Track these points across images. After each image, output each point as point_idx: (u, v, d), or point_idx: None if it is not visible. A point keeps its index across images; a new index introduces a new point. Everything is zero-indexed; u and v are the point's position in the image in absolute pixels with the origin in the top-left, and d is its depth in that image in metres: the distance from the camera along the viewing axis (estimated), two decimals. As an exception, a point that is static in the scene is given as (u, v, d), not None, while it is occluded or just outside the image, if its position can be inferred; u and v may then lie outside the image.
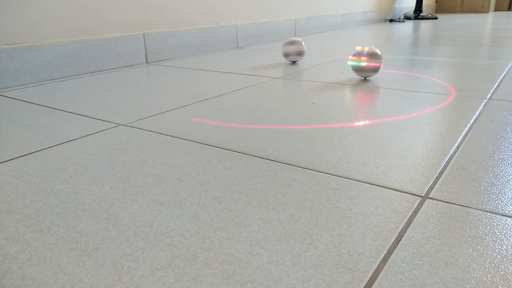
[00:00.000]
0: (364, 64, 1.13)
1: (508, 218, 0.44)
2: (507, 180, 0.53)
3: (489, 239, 0.40)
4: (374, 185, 0.52)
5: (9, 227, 0.45)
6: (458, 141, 0.66)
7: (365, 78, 1.18)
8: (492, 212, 0.45)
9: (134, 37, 1.48)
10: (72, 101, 1.00)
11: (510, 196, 0.48)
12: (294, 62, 1.52)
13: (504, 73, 1.20)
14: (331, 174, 0.55)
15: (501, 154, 0.61)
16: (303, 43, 1.46)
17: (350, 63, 1.16)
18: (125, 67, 1.47)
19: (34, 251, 0.40)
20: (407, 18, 3.69)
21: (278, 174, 0.56)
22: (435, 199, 0.48)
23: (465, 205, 0.47)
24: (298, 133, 0.72)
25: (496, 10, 4.80)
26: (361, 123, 0.78)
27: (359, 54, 1.13)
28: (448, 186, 0.51)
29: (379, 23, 3.37)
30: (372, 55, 1.12)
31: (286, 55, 1.48)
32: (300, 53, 1.46)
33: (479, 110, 0.84)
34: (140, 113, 0.87)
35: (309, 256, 0.38)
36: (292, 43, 1.45)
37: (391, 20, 3.52)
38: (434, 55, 1.63)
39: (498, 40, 2.11)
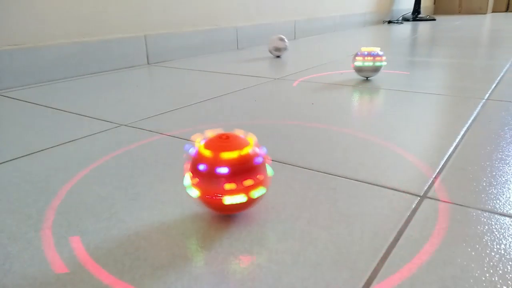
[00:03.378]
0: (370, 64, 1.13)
1: (507, 218, 0.44)
2: (505, 179, 0.53)
3: (487, 239, 0.40)
4: (373, 184, 0.52)
5: (11, 226, 0.45)
6: (457, 141, 0.67)
7: (367, 78, 1.19)
8: (490, 212, 0.45)
9: (136, 38, 1.49)
10: (74, 101, 1.00)
11: (508, 196, 0.49)
12: (278, 56, 1.67)
13: (502, 74, 1.21)
14: (330, 174, 0.56)
15: (499, 154, 0.61)
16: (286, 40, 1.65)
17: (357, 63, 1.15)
18: (126, 68, 1.47)
19: (36, 250, 0.40)
20: (405, 19, 3.70)
21: (277, 174, 0.56)
22: (434, 199, 0.48)
23: (463, 204, 0.47)
24: (298, 133, 0.72)
25: (494, 11, 4.81)
26: (360, 123, 0.78)
27: (363, 55, 1.13)
28: (447, 186, 0.51)
29: (377, 25, 3.38)
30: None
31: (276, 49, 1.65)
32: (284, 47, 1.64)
33: (477, 110, 0.84)
34: (142, 113, 0.88)
35: (308, 255, 0.39)
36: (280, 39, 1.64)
37: (389, 22, 3.52)
38: (432, 56, 1.63)
39: (496, 41, 2.12)
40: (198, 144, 0.43)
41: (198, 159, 0.41)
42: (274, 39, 1.65)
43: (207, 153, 0.41)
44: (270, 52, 1.67)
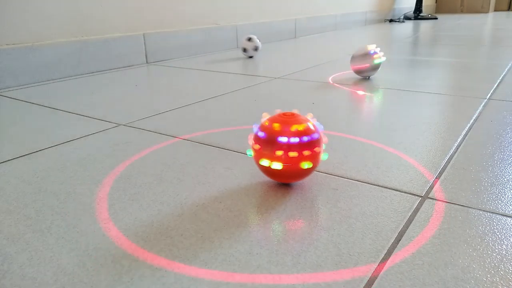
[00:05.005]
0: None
1: (508, 218, 0.44)
2: (507, 180, 0.53)
3: (489, 239, 0.40)
4: (374, 185, 0.52)
5: (9, 227, 0.45)
6: (458, 141, 0.66)
7: (368, 77, 1.18)
8: (492, 212, 0.45)
9: (134, 37, 1.48)
10: (72, 101, 1.00)
11: (510, 196, 0.48)
12: (251, 57, 1.64)
13: (503, 73, 1.20)
14: (331, 174, 0.55)
15: (501, 154, 0.61)
16: (258, 40, 1.62)
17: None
18: (125, 67, 1.47)
19: (34, 251, 0.40)
20: (407, 18, 3.69)
21: (278, 174, 0.55)
22: (435, 199, 0.48)
23: (465, 205, 0.47)
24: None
25: (496, 10, 4.80)
26: (361, 122, 0.78)
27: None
28: (448, 186, 0.51)
29: (379, 23, 3.37)
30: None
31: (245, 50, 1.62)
32: (256, 49, 1.60)
33: (479, 110, 0.84)
34: (140, 113, 0.87)
35: (309, 256, 0.38)
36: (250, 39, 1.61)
37: (391, 21, 3.52)
38: (434, 55, 1.63)
39: (498, 40, 2.11)
40: (266, 119, 0.50)
41: (264, 129, 0.49)
42: (243, 40, 1.63)
43: (275, 125, 0.48)
44: (242, 53, 1.65)
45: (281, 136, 0.47)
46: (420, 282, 0.34)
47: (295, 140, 0.47)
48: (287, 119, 0.48)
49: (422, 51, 1.78)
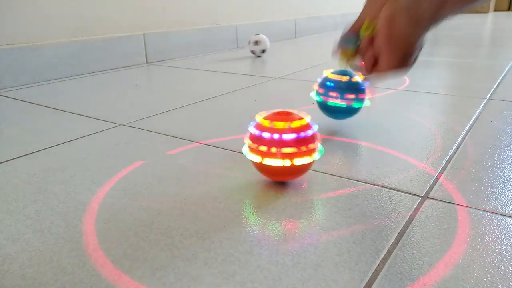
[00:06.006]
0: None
1: (508, 218, 0.44)
2: (507, 180, 0.53)
3: (489, 239, 0.40)
4: (374, 185, 0.52)
5: (9, 227, 0.45)
6: (458, 141, 0.66)
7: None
8: (492, 212, 0.45)
9: (134, 37, 1.48)
10: (72, 101, 1.00)
11: (510, 196, 0.48)
12: (263, 51, 1.63)
13: (504, 73, 1.20)
14: (331, 174, 0.55)
15: (501, 154, 0.61)
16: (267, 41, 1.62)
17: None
18: (125, 67, 1.47)
19: (35, 251, 0.40)
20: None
21: (278, 174, 0.55)
22: (435, 199, 0.48)
23: (465, 205, 0.47)
24: (298, 133, 0.72)
25: (495, 10, 4.80)
26: (361, 122, 0.78)
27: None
28: (448, 186, 0.51)
29: (379, 23, 3.37)
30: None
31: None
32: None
33: (479, 110, 0.84)
34: (140, 113, 0.87)
35: (309, 256, 0.38)
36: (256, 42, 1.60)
37: (391, 20, 3.51)
38: (434, 55, 1.63)
39: (497, 40, 2.11)
40: (260, 117, 0.51)
41: (260, 128, 0.50)
42: (252, 39, 1.62)
43: (266, 123, 0.50)
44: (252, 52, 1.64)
45: (287, 132, 0.48)
46: (420, 283, 0.35)
47: (302, 135, 0.48)
48: (285, 117, 0.50)
49: (421, 51, 1.78)
